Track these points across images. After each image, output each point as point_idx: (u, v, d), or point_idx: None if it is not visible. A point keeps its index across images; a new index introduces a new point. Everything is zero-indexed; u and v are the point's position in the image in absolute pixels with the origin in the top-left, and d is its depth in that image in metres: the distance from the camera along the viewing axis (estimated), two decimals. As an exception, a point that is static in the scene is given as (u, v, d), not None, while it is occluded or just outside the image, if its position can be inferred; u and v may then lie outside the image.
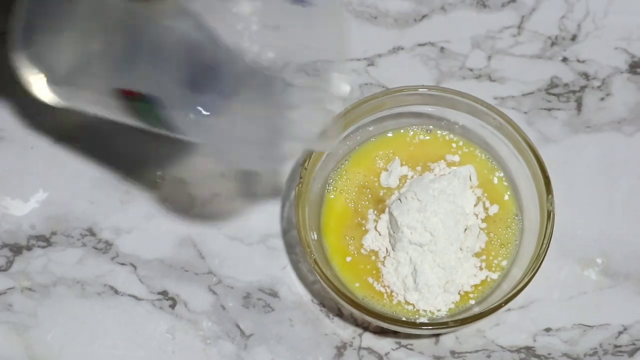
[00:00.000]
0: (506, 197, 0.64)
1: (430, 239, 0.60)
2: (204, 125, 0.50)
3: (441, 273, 0.61)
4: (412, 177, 0.65)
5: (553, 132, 0.69)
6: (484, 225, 0.63)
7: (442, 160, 0.65)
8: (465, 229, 0.62)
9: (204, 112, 0.49)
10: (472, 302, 0.61)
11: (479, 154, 0.65)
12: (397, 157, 0.65)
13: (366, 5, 0.72)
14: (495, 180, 0.65)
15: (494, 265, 0.62)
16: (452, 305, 0.61)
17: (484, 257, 0.62)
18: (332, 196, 0.64)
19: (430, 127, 0.66)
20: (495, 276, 0.62)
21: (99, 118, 0.70)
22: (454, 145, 0.66)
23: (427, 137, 0.66)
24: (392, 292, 0.62)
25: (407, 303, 0.61)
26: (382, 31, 0.72)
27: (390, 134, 0.66)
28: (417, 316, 0.61)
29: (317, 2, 0.52)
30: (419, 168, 0.65)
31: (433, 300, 0.61)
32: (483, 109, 0.64)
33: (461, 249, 0.62)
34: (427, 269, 0.60)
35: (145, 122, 0.54)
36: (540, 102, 0.70)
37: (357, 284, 0.62)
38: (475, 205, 0.63)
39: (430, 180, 0.62)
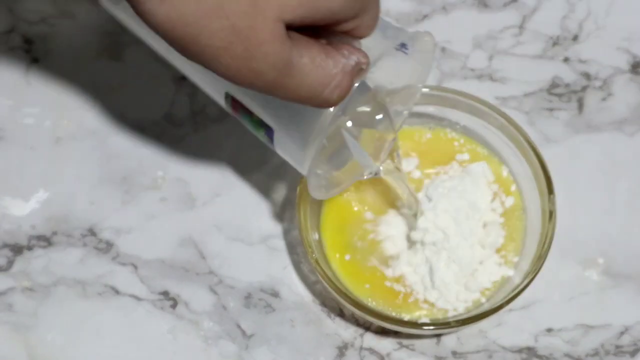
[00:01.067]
0: (513, 188, 0.64)
1: (443, 237, 0.60)
2: (304, 160, 0.52)
3: (457, 269, 0.60)
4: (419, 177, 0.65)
5: (554, 132, 0.69)
6: (502, 219, 0.63)
7: (454, 162, 0.65)
8: (485, 226, 0.62)
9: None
10: (483, 300, 0.61)
11: (481, 151, 0.65)
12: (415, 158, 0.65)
13: (367, 5, 0.72)
14: (505, 174, 0.65)
15: (509, 260, 0.62)
16: (470, 304, 0.61)
17: (503, 252, 0.62)
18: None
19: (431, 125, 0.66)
20: (511, 272, 0.62)
21: (99, 118, 0.70)
22: (456, 143, 0.65)
23: (429, 135, 0.66)
24: (395, 290, 0.61)
25: (424, 301, 0.61)
26: (383, 31, 0.72)
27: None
28: (421, 313, 0.61)
29: (411, 52, 0.53)
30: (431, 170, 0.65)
31: (453, 299, 0.60)
32: (484, 109, 0.64)
33: (481, 246, 0.61)
34: (443, 267, 0.60)
35: (243, 123, 0.54)
36: (541, 102, 0.70)
37: (358, 284, 0.62)
38: (492, 201, 0.63)
39: (442, 180, 0.63)
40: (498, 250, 0.62)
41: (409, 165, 0.64)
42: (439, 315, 0.61)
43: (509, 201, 0.63)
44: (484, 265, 0.61)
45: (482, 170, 0.64)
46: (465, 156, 0.65)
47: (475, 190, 0.62)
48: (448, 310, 0.61)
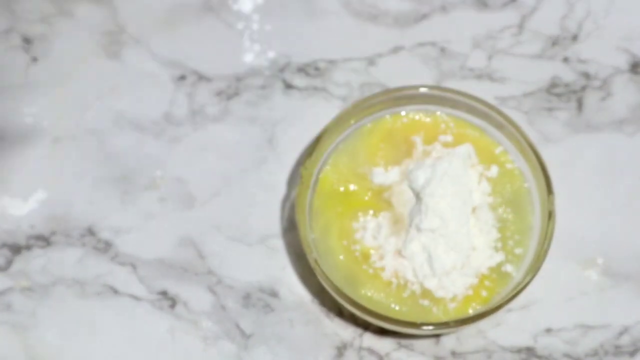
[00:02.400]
0: (509, 166, 0.64)
1: (440, 224, 0.60)
2: None
3: (456, 256, 0.60)
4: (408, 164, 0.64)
5: (554, 132, 0.69)
6: (490, 199, 0.63)
7: (437, 142, 0.64)
8: (474, 209, 0.62)
9: None
10: (484, 292, 0.61)
11: (471, 132, 0.64)
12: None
13: (366, 5, 0.72)
14: (498, 151, 0.64)
15: (508, 245, 0.62)
16: (471, 292, 0.60)
17: (499, 235, 0.62)
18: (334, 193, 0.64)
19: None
20: (511, 268, 0.61)
21: (98, 117, 0.70)
22: (443, 125, 0.65)
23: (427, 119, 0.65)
24: (399, 286, 0.61)
25: (422, 295, 0.61)
26: (382, 31, 0.72)
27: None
28: (427, 305, 0.60)
29: None
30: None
31: (451, 285, 0.60)
32: (484, 109, 0.64)
33: (474, 231, 0.61)
34: (442, 254, 0.60)
35: None
36: (541, 102, 0.70)
37: (358, 283, 0.62)
38: (479, 183, 0.63)
39: (429, 165, 0.61)
40: (501, 231, 0.62)
41: None
42: (440, 304, 0.60)
43: (493, 171, 0.63)
44: (477, 249, 0.61)
45: (468, 152, 0.63)
46: (449, 137, 0.64)
47: (465, 173, 0.61)
48: (447, 300, 0.60)
